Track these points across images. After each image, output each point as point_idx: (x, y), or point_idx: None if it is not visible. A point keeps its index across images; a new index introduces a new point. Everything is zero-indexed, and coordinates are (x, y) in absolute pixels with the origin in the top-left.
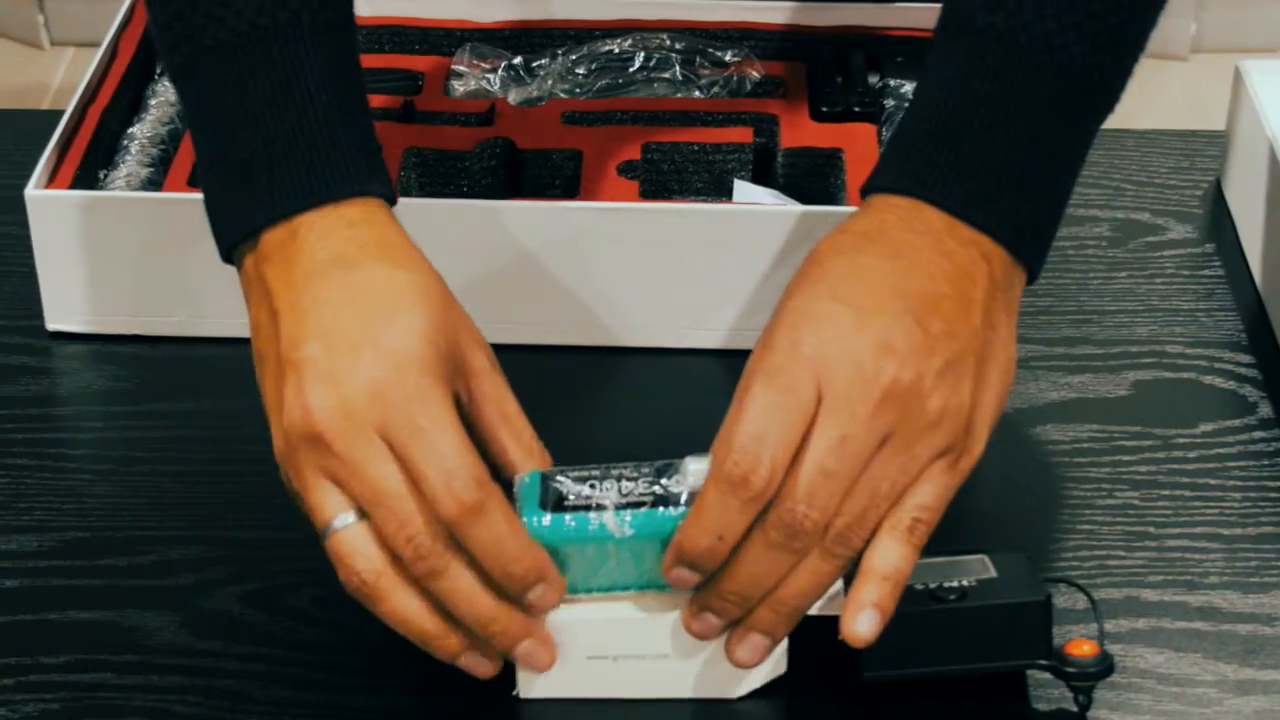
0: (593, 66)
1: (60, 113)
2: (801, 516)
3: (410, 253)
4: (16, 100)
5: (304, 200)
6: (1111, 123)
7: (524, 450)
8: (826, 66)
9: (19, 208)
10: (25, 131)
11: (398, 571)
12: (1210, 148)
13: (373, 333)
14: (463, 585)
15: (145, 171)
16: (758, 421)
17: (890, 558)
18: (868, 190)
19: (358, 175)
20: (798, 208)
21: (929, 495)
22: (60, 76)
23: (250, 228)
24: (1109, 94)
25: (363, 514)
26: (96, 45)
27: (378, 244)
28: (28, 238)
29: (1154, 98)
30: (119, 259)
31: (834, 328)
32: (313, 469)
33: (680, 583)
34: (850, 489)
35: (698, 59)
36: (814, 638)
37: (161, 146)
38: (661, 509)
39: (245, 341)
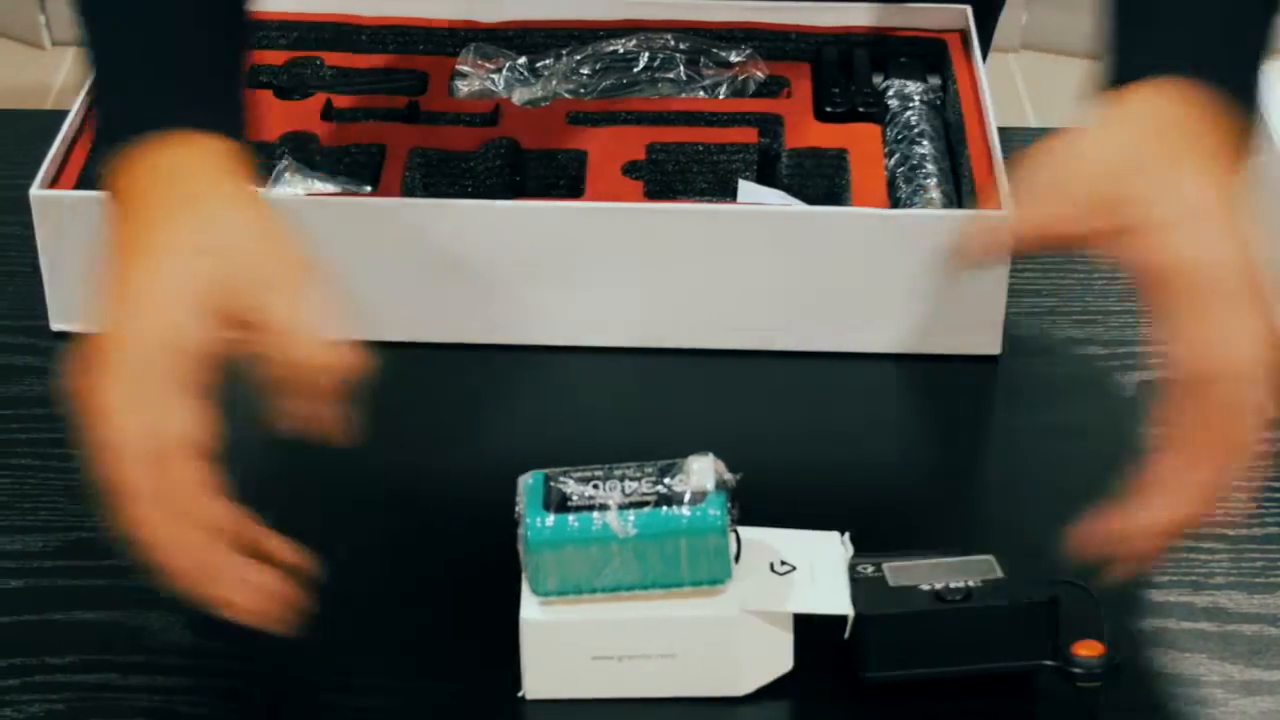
0: (597, 67)
1: (64, 113)
2: None
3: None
4: (17, 100)
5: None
6: None
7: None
8: (831, 67)
9: (23, 208)
10: (26, 131)
11: None
12: None
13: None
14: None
15: None
16: None
17: None
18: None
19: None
20: (802, 208)
21: None
22: (61, 77)
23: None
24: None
25: None
26: None
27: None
28: (31, 238)
29: None
30: None
31: None
32: None
33: None
34: None
35: (702, 59)
36: (819, 636)
37: None
38: (665, 509)
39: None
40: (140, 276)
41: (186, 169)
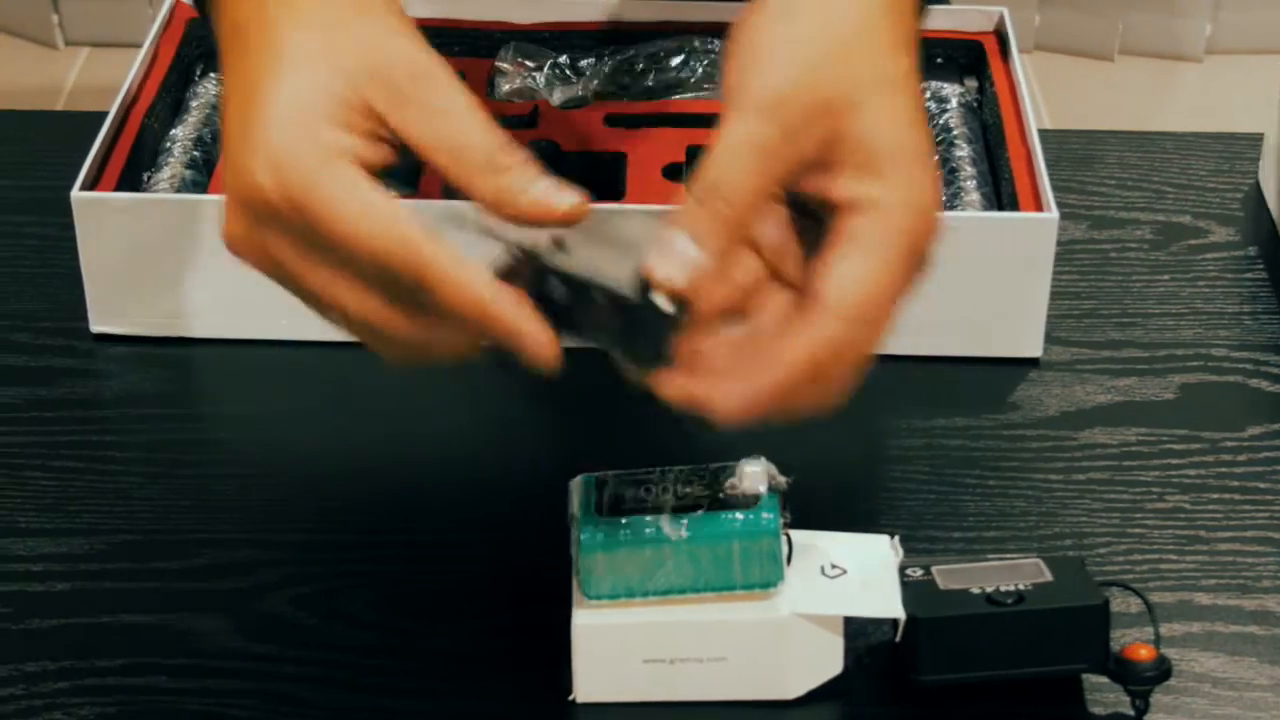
0: (638, 68)
1: (100, 114)
2: None
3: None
4: (30, 100)
5: None
6: (1143, 124)
7: (474, 165)
8: None
9: (61, 210)
10: (60, 133)
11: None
12: (1249, 150)
13: (253, 135)
14: (449, 344)
15: (188, 173)
16: None
17: None
18: None
19: None
20: None
21: None
22: (74, 76)
23: None
24: None
25: None
26: (111, 45)
27: None
28: (69, 239)
29: (1169, 99)
30: (164, 261)
31: None
32: None
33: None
34: None
35: None
36: (870, 639)
37: (204, 148)
38: (717, 512)
39: (291, 344)
40: (265, 101)
41: None
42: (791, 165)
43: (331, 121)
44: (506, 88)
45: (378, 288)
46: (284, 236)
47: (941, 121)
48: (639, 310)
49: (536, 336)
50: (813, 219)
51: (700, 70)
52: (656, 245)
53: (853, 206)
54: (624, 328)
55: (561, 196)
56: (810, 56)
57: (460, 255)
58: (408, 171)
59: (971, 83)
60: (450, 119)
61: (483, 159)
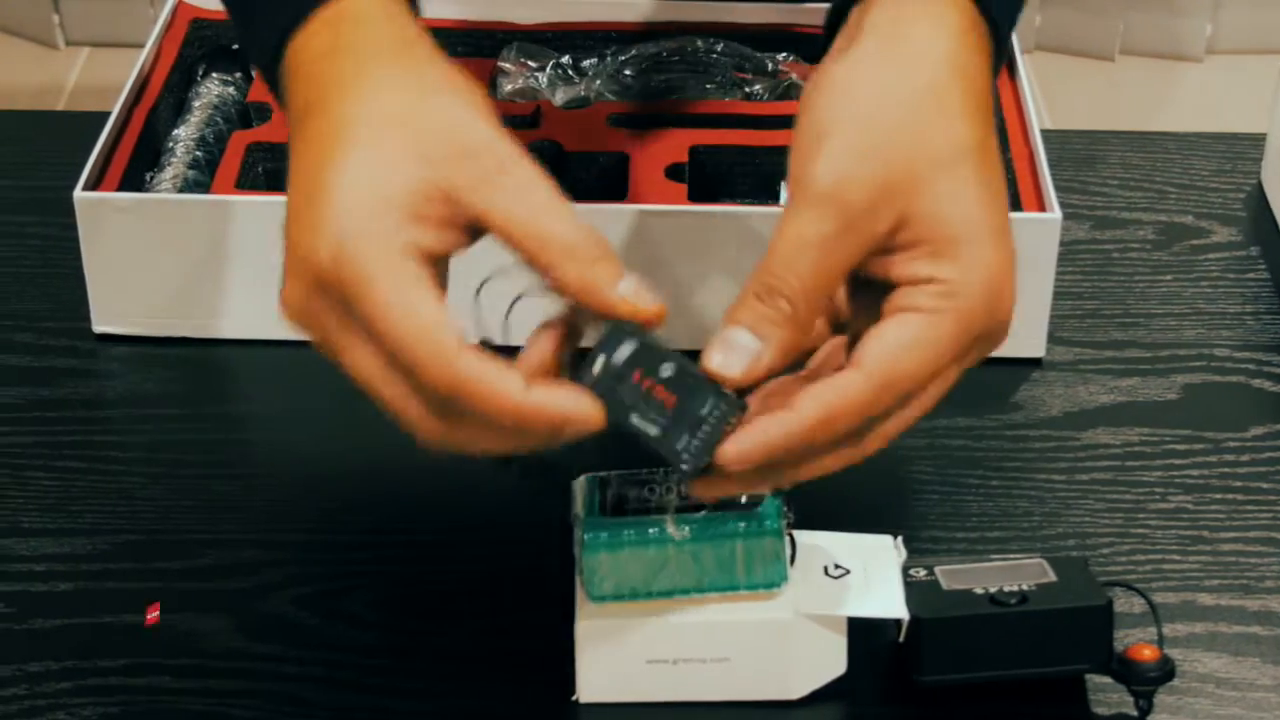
0: (641, 68)
1: (102, 114)
2: None
3: (392, 61)
4: (31, 100)
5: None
6: (1143, 124)
7: (562, 251)
8: None
9: (63, 210)
10: (62, 133)
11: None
12: (1252, 150)
13: (322, 214)
14: (483, 445)
15: (191, 173)
16: None
17: None
18: None
19: None
20: None
21: None
22: (75, 76)
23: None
24: None
25: None
26: (111, 45)
27: (352, 63)
28: (71, 240)
29: (1170, 99)
30: (167, 261)
31: None
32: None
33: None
34: None
35: (745, 62)
36: (873, 640)
37: (206, 148)
38: (721, 512)
39: (293, 344)
40: (336, 182)
41: (363, 44)
42: (854, 254)
43: (404, 213)
44: (509, 88)
45: (417, 391)
46: (334, 312)
47: None
48: (697, 391)
49: (584, 415)
50: (873, 287)
51: (703, 70)
52: (717, 340)
53: (914, 282)
54: (675, 412)
55: (649, 297)
56: (870, 139)
57: (497, 366)
58: None
59: None
60: (537, 206)
61: (570, 247)
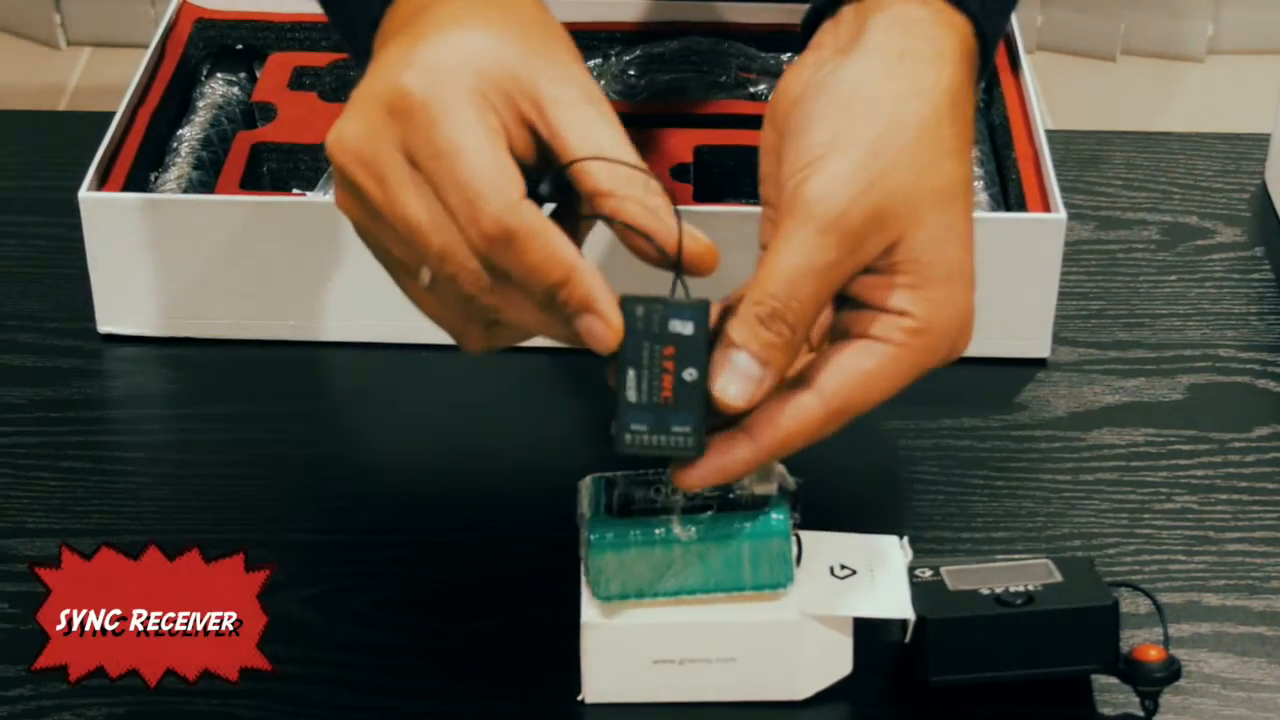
0: (645, 68)
1: (107, 115)
2: None
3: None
4: (33, 100)
5: None
6: (1145, 125)
7: (617, 179)
8: None
9: (68, 210)
10: (66, 133)
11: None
12: (1256, 150)
13: (411, 53)
14: (512, 316)
15: (195, 174)
16: None
17: None
18: None
19: None
20: None
21: None
22: (76, 77)
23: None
24: None
25: None
26: (112, 45)
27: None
28: (76, 240)
29: (1171, 99)
30: (172, 261)
31: None
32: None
33: None
34: None
35: (750, 62)
36: (879, 641)
37: (211, 148)
38: (727, 513)
39: (299, 345)
40: (438, 34)
41: None
42: (849, 279)
43: (496, 87)
44: None
45: (464, 231)
46: (395, 146)
47: None
48: (689, 412)
49: (608, 315)
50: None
51: (707, 70)
52: (718, 358)
53: (886, 310)
54: (659, 407)
55: (703, 236)
56: (877, 166)
57: (554, 226)
58: None
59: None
60: (611, 136)
61: (636, 177)
